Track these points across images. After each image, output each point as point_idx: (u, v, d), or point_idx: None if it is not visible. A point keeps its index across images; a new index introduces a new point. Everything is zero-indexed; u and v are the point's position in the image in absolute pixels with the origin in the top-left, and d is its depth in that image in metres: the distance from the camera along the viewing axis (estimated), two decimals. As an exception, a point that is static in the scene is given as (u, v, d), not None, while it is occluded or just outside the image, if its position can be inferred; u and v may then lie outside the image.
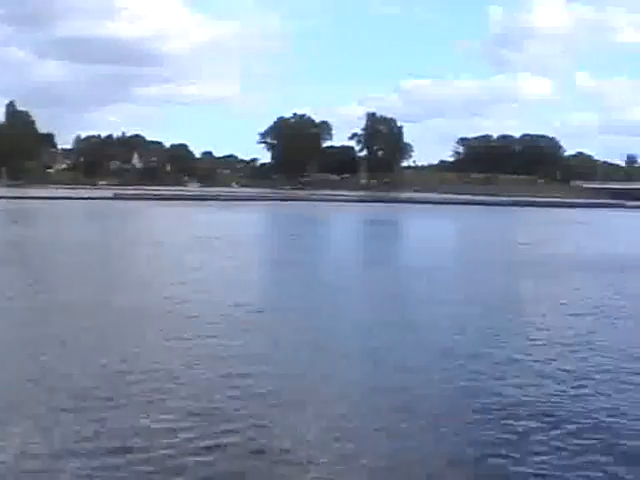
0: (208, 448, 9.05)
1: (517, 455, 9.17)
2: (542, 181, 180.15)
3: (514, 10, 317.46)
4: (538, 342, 15.91)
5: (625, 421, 10.59)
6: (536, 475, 8.64)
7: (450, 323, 17.99)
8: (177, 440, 9.28)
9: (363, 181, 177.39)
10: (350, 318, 18.75)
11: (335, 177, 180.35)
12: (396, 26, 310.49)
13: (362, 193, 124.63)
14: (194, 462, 8.63)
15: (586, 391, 12.11)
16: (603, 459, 9.14)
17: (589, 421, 10.52)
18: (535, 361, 14.08)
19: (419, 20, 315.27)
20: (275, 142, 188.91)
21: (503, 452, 9.27)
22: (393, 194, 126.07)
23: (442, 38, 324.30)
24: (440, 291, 24.18)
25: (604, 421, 10.52)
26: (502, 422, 10.38)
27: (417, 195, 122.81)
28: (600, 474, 8.72)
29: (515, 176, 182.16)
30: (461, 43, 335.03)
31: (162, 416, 10.17)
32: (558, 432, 9.99)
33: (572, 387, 12.33)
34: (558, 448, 9.43)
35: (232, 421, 10.06)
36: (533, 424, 10.29)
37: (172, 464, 8.54)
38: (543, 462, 8.98)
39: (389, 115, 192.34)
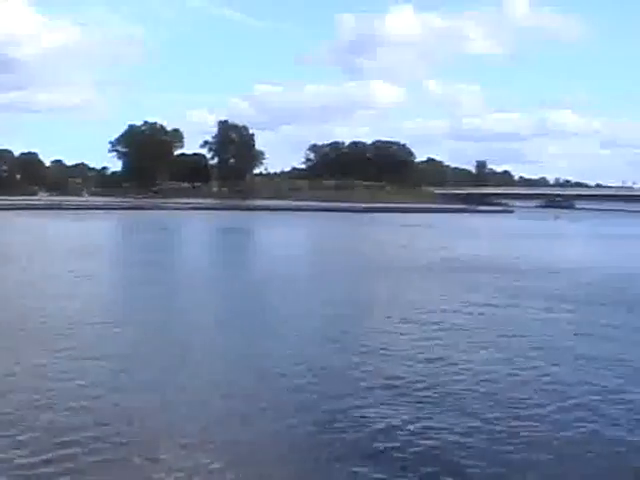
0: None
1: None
2: (389, 187, 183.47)
3: (366, 18, 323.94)
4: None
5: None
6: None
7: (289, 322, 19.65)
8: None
9: (215, 189, 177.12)
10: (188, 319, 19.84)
11: (187, 185, 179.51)
12: (248, 33, 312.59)
13: (214, 201, 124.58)
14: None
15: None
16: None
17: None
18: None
19: (271, 27, 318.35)
20: (126, 150, 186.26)
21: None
22: (245, 202, 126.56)
23: (294, 45, 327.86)
24: (280, 293, 25.34)
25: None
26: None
27: (269, 202, 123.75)
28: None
29: (367, 182, 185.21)
30: (313, 50, 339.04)
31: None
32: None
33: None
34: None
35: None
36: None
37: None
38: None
39: (241, 122, 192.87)
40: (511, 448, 10.25)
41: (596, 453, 10.27)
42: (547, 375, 14.24)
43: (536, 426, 11.19)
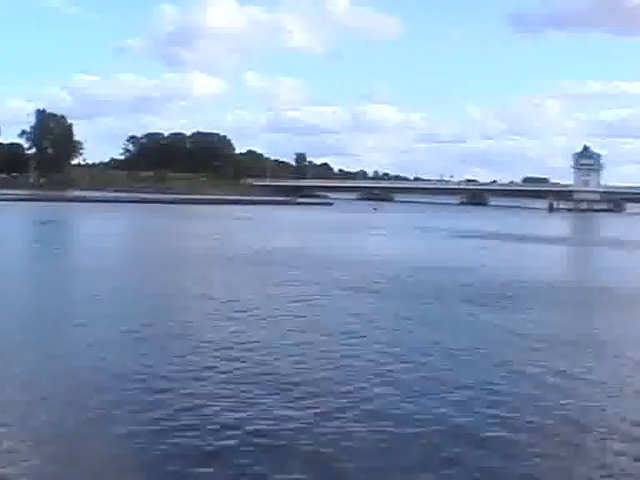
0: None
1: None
2: (204, 179, 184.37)
3: (187, 9, 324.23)
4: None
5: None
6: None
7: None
8: None
9: (32, 180, 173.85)
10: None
11: (3, 176, 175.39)
12: (65, 22, 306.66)
13: (31, 192, 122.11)
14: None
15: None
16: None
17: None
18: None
19: (88, 17, 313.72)
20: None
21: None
22: (63, 193, 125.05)
23: (114, 35, 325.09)
24: (87, 287, 27.09)
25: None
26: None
27: (87, 194, 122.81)
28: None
29: (185, 174, 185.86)
30: (132, 40, 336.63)
31: None
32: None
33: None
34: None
35: None
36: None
37: None
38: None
39: (59, 112, 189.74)
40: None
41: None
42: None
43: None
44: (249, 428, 12.03)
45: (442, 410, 13.24)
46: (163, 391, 13.85)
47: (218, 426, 12.09)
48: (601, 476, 10.55)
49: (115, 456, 11.02)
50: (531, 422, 12.71)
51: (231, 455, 10.98)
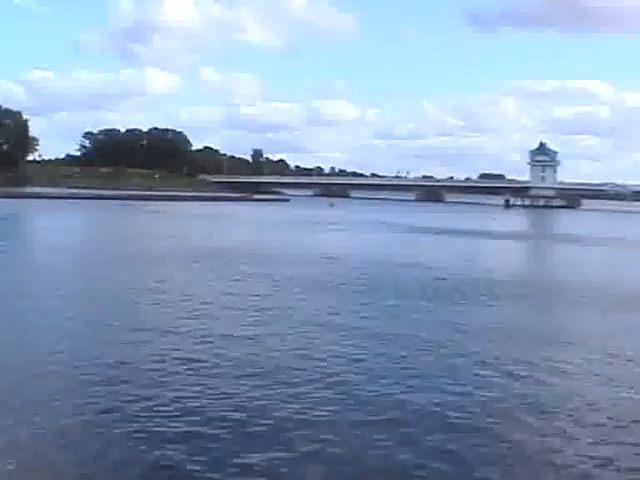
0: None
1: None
2: (158, 175, 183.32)
3: (144, 4, 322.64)
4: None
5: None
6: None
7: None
8: None
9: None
10: None
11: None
12: (20, 16, 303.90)
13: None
14: None
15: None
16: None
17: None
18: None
19: (44, 10, 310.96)
20: None
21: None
22: (17, 189, 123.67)
23: (68, 30, 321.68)
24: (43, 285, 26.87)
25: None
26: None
27: (42, 190, 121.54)
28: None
29: (141, 170, 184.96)
30: (88, 36, 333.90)
31: None
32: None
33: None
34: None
35: None
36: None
37: None
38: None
39: (14, 107, 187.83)
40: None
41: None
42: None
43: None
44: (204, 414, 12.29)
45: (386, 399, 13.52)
46: (112, 380, 14.03)
47: (176, 412, 12.35)
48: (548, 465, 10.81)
49: (65, 445, 10.97)
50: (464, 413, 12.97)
51: (186, 439, 11.15)
